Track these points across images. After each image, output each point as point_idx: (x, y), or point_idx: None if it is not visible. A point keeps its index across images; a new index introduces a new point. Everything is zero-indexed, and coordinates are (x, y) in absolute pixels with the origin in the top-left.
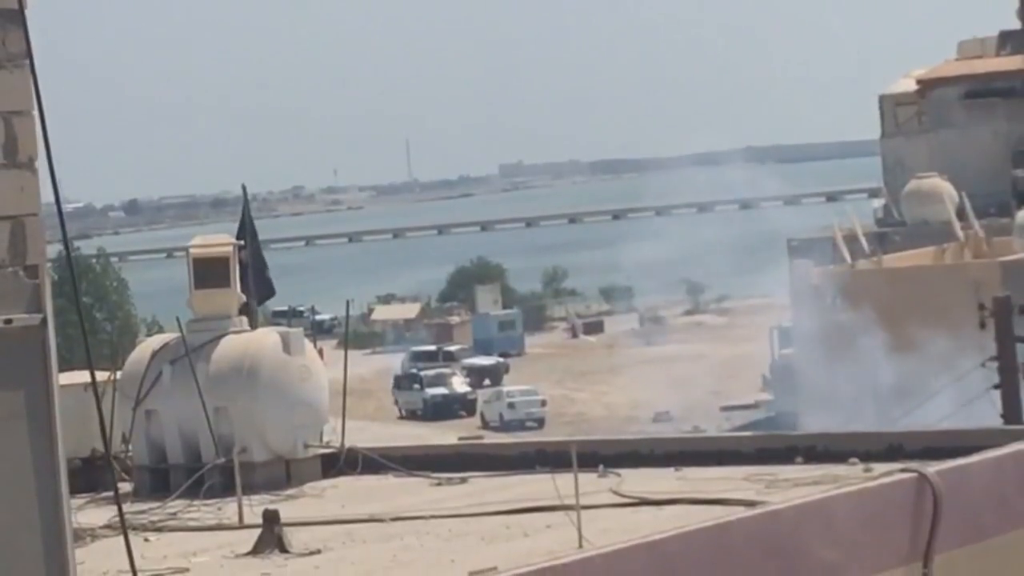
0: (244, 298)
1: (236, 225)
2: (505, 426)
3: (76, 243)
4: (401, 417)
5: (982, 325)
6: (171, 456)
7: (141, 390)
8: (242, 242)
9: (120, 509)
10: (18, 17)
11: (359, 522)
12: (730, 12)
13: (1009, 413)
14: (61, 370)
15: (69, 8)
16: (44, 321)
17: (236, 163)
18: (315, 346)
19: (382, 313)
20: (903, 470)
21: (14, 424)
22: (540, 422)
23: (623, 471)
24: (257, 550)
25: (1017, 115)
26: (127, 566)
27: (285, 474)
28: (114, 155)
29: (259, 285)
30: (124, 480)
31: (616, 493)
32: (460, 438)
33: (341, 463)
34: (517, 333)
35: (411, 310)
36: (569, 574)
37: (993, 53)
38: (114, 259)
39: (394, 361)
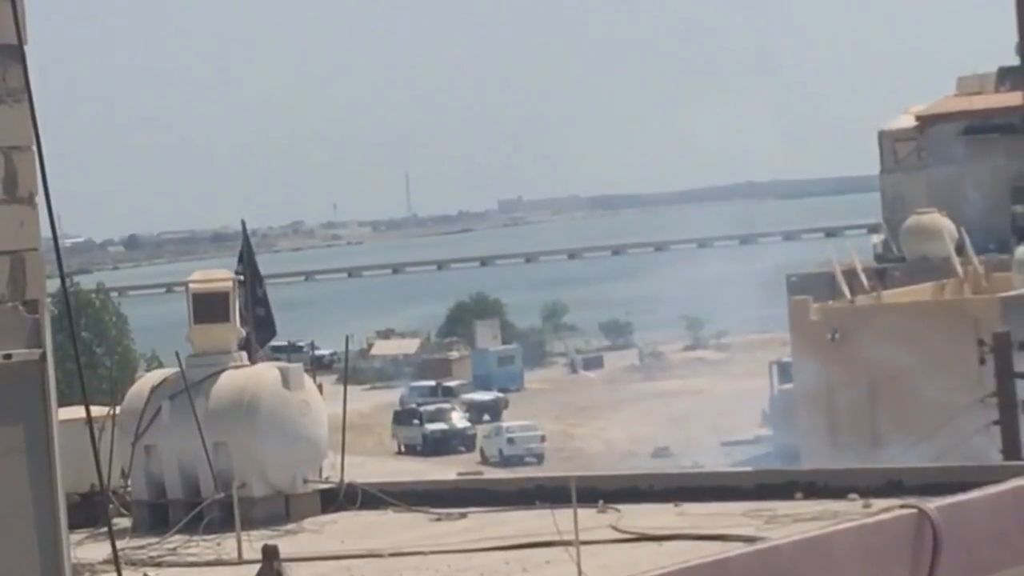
0: (243, 332)
1: (236, 260)
2: (504, 461)
3: (75, 278)
4: (400, 452)
5: (982, 361)
6: (170, 491)
7: (140, 425)
8: (242, 276)
9: (114, 546)
10: (17, 53)
11: (358, 557)
12: (729, 49)
13: (1008, 449)
14: (60, 405)
15: (68, 44)
16: (44, 356)
17: (236, 198)
18: (314, 381)
19: (382, 348)
20: (903, 506)
21: (13, 459)
22: (539, 457)
23: (622, 507)
24: None
25: (1016, 151)
26: None
27: (284, 509)
28: (114, 190)
29: (261, 325)
30: (123, 515)
31: (615, 529)
32: (459, 473)
33: (340, 498)
34: (516, 368)
35: (411, 345)
36: None
37: (992, 89)
38: (113, 294)
39: (393, 396)
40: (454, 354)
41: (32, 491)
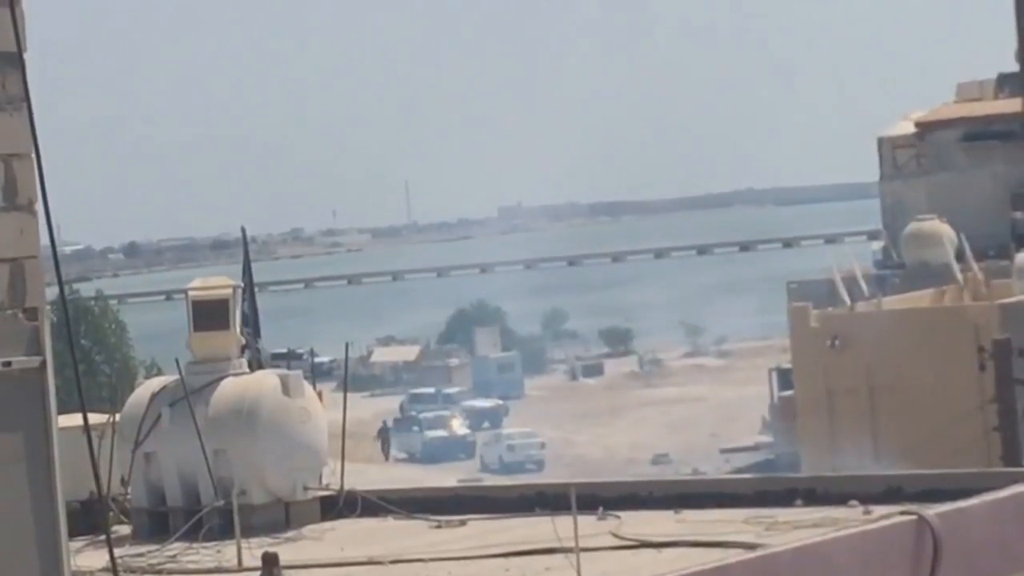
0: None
1: (235, 267)
2: (504, 468)
3: (75, 285)
4: (397, 460)
5: (982, 367)
6: (170, 499)
7: (140, 432)
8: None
9: (111, 553)
10: (17, 60)
11: (358, 564)
12: (729, 55)
13: (1008, 455)
14: (60, 412)
15: (68, 51)
16: (43, 364)
17: (235, 205)
18: (314, 389)
19: (381, 355)
20: (903, 512)
21: (13, 466)
22: (539, 464)
23: (622, 513)
24: None
25: (1016, 158)
26: None
27: (284, 516)
28: (113, 198)
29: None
30: (123, 522)
31: (615, 535)
32: (459, 480)
33: (340, 505)
34: (516, 375)
35: (410, 352)
36: None
37: (992, 96)
38: (113, 301)
39: (393, 404)
40: (454, 361)
41: (32, 498)
